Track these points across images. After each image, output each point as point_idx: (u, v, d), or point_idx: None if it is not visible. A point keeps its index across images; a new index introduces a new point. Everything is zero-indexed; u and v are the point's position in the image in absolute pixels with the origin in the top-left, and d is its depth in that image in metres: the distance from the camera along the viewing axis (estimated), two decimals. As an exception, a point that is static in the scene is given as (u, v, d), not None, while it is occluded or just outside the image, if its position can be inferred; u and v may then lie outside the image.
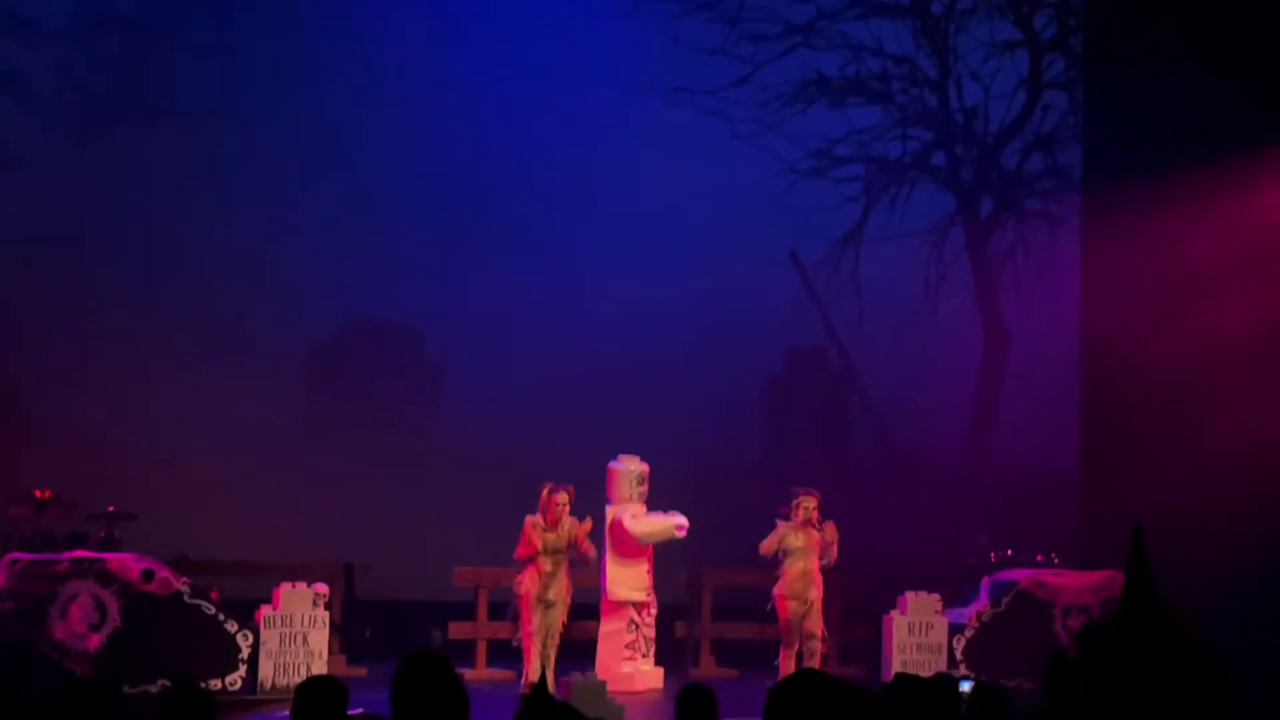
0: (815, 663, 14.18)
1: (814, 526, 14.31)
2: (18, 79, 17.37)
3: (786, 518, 14.40)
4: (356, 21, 18.31)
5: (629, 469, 15.13)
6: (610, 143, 18.71)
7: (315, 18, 18.24)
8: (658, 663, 15.19)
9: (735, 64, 19.48)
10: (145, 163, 17.40)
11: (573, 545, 13.97)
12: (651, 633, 15.15)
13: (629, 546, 14.95)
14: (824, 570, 14.42)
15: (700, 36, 19.26)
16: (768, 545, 14.34)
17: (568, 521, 13.99)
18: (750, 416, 19.41)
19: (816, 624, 14.39)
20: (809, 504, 14.44)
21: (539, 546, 13.84)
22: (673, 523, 14.89)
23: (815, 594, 14.38)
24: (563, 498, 13.95)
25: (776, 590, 14.39)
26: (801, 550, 14.35)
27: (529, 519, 13.94)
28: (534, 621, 13.87)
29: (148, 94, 17.58)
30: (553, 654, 14.06)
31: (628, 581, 14.95)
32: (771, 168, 19.35)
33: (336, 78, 18.17)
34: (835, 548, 14.32)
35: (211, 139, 17.63)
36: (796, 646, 14.40)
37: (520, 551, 13.97)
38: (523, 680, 13.81)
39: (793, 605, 14.33)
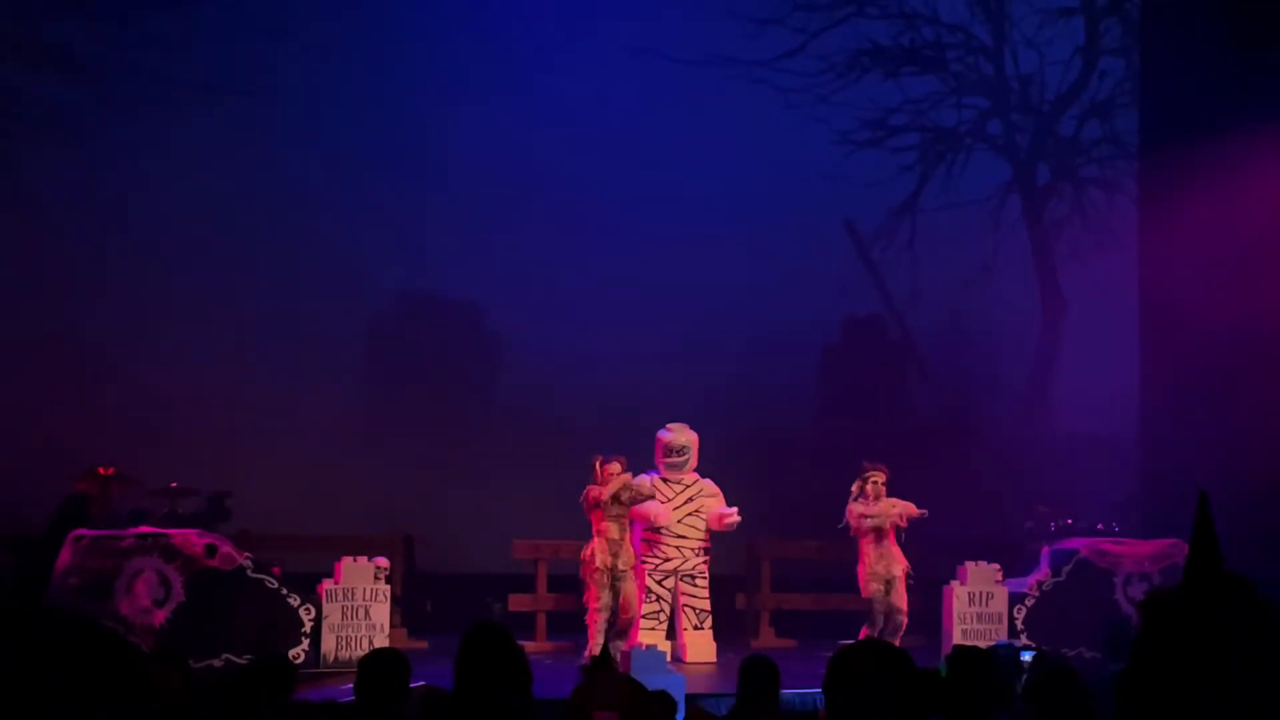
0: (898, 640, 14.12)
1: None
2: (68, 55, 17.45)
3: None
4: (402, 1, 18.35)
5: (663, 438, 15.10)
6: (664, 114, 18.69)
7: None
8: (716, 635, 15.11)
9: (789, 34, 19.41)
10: (201, 140, 17.46)
11: (632, 494, 14.06)
12: (704, 604, 15.03)
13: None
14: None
15: (754, 7, 19.20)
16: (854, 527, 14.39)
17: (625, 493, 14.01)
18: (806, 387, 19.37)
19: (901, 598, 14.37)
20: (877, 478, 14.44)
21: (605, 496, 13.80)
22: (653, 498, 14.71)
23: (898, 569, 14.38)
24: (615, 468, 13.94)
25: (858, 571, 14.44)
26: (873, 528, 14.37)
27: (590, 488, 13.91)
28: (602, 598, 13.81)
29: (199, 72, 17.62)
30: (628, 631, 14.02)
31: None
32: (826, 138, 19.28)
33: (389, 55, 18.20)
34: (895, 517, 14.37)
35: (268, 117, 17.68)
36: (880, 626, 14.41)
37: (592, 494, 13.88)
38: (585, 653, 13.81)
39: (874, 586, 14.35)
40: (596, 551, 13.88)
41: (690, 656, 14.75)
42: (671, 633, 14.95)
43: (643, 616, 14.57)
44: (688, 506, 15.00)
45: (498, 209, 18.29)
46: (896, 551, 14.44)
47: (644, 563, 14.72)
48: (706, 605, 14.99)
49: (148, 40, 17.52)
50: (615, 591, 13.83)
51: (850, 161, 19.36)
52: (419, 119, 18.14)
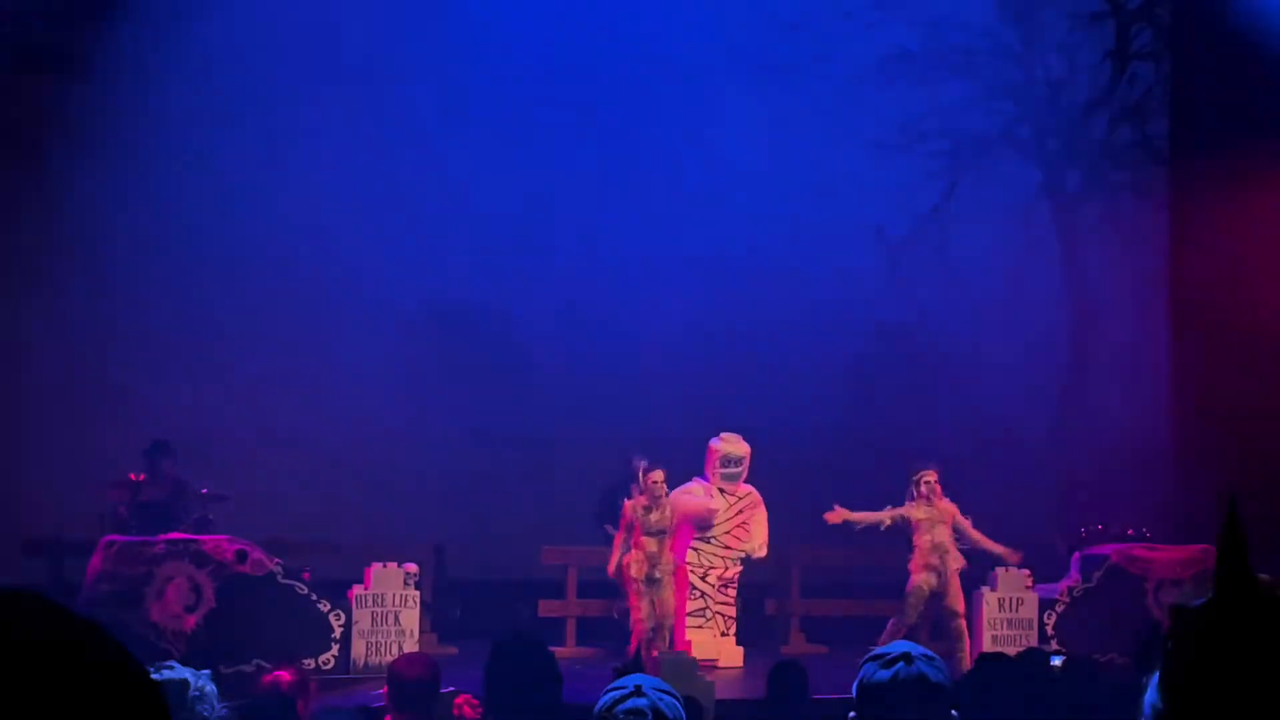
0: (963, 643, 14.07)
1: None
2: (93, 61, 17.49)
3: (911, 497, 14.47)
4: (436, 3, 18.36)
5: (718, 448, 15.04)
6: (691, 121, 18.70)
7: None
8: (742, 641, 15.12)
9: (817, 40, 19.37)
10: (227, 147, 17.51)
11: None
12: (730, 610, 15.07)
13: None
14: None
15: (782, 12, 19.18)
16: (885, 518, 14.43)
17: (667, 502, 13.97)
18: (835, 393, 19.33)
19: (957, 600, 14.26)
20: (929, 478, 14.44)
21: (640, 529, 13.80)
22: (704, 505, 14.81)
23: (953, 565, 14.26)
24: (659, 475, 13.91)
25: (910, 564, 14.42)
26: (927, 522, 14.35)
27: (628, 503, 13.88)
28: (643, 609, 13.78)
29: (223, 80, 17.66)
30: (669, 633, 14.04)
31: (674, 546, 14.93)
32: (855, 144, 19.24)
33: (410, 64, 18.20)
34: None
35: (298, 123, 17.72)
36: (912, 621, 14.37)
37: (619, 539, 13.91)
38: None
39: (924, 575, 14.30)
40: (634, 563, 13.86)
41: (719, 661, 14.70)
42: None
43: (689, 614, 14.73)
44: (737, 519, 15.06)
45: (527, 218, 18.32)
46: (954, 549, 14.39)
47: (690, 568, 14.83)
48: (733, 612, 15.08)
49: (172, 48, 17.56)
50: (653, 600, 13.86)
51: (880, 168, 19.32)
52: (446, 130, 18.16)
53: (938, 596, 14.32)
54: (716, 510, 14.86)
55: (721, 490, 15.01)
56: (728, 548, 15.06)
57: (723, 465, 15.01)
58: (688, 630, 14.67)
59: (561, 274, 18.33)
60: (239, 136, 17.54)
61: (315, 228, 17.79)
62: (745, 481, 15.20)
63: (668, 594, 13.94)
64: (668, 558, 13.97)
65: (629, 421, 17.10)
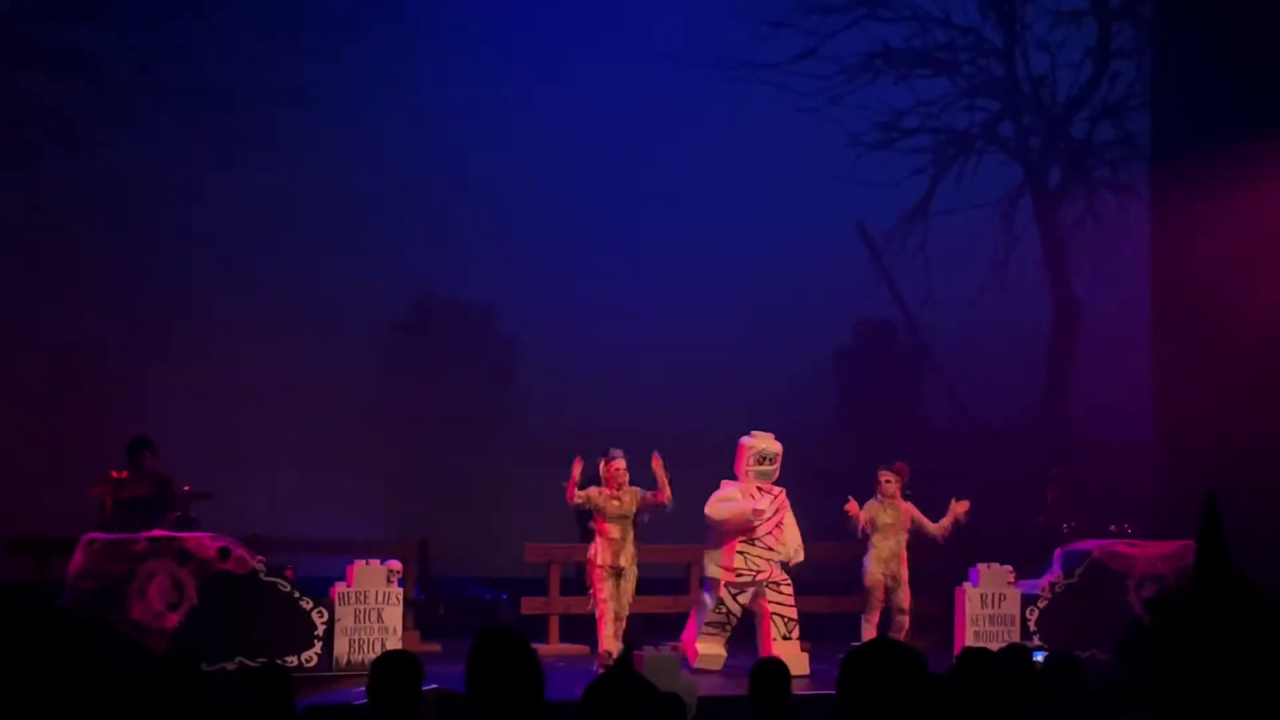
0: (903, 636, 14.25)
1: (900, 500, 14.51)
2: (89, 62, 17.47)
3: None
4: (420, 4, 18.33)
5: (752, 445, 14.47)
6: (675, 118, 18.69)
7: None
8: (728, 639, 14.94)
9: (800, 37, 19.41)
10: (210, 146, 17.48)
11: (645, 508, 13.99)
12: (791, 612, 14.42)
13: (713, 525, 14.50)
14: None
15: (765, 9, 19.19)
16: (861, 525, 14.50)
17: (629, 489, 13.96)
18: (817, 390, 19.34)
19: (905, 598, 14.57)
20: (888, 477, 14.53)
21: (604, 516, 13.80)
22: (749, 507, 14.27)
23: (904, 572, 14.57)
24: (621, 464, 13.87)
25: (866, 559, 14.58)
26: (890, 526, 14.47)
27: (593, 489, 13.85)
28: (605, 590, 13.84)
29: (217, 77, 17.64)
30: (622, 625, 14.04)
31: (712, 557, 14.50)
32: (838, 141, 19.28)
33: (398, 61, 18.19)
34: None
35: (277, 122, 17.68)
36: (877, 615, 14.57)
37: (569, 492, 13.81)
38: (599, 649, 13.82)
39: (879, 570, 14.48)
40: (599, 551, 13.90)
41: (708, 665, 14.25)
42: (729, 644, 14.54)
43: (706, 624, 14.36)
44: (775, 518, 14.47)
45: (507, 213, 18.29)
46: (904, 554, 14.59)
47: (735, 574, 14.28)
48: (794, 614, 14.44)
49: (167, 46, 17.52)
50: (618, 588, 13.88)
51: (862, 164, 19.36)
52: (426, 125, 18.15)
53: (890, 591, 14.62)
54: (763, 511, 14.28)
55: (760, 489, 14.39)
56: (770, 549, 14.41)
57: (757, 462, 14.40)
58: (699, 640, 14.31)
59: (544, 268, 18.30)
60: (210, 134, 17.50)
61: (291, 223, 17.75)
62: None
63: (629, 585, 13.94)
64: (631, 546, 13.97)
65: (613, 419, 17.10)
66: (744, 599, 14.39)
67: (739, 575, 14.30)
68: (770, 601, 14.39)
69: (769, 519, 14.40)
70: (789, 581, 14.51)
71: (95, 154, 17.27)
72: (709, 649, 14.34)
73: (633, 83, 18.54)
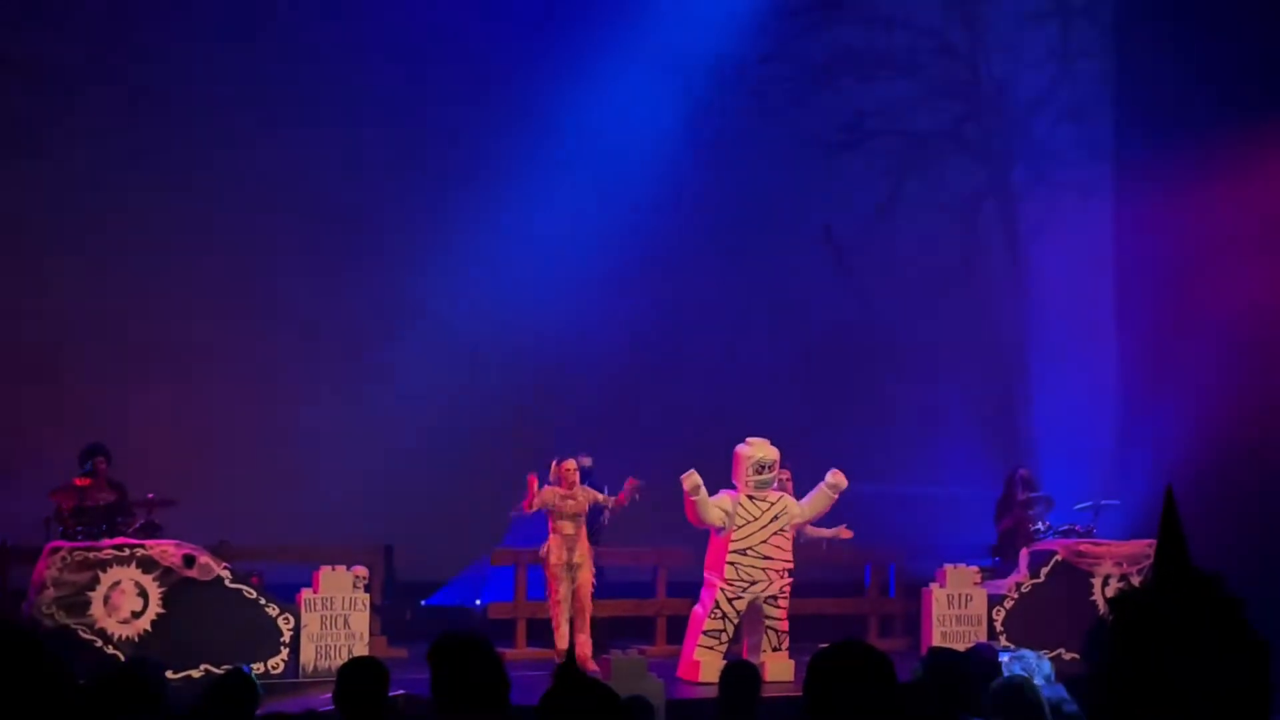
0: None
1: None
2: (44, 65, 17.34)
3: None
4: (407, 8, 18.27)
5: (749, 454, 14.07)
6: (636, 119, 18.65)
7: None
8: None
9: (763, 38, 19.39)
10: (168, 152, 17.40)
11: (600, 506, 14.13)
12: (783, 626, 14.15)
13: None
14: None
15: (728, 10, 19.17)
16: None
17: (580, 489, 14.04)
18: (781, 391, 19.33)
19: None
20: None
21: (556, 515, 13.90)
22: (721, 512, 13.97)
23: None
24: (571, 464, 14.03)
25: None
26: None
27: (548, 488, 13.94)
28: (560, 590, 13.93)
29: (187, 81, 17.56)
30: (585, 620, 14.05)
31: (707, 562, 14.25)
32: (801, 142, 19.29)
33: (397, 59, 18.15)
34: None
35: (235, 128, 17.60)
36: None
37: (526, 504, 13.87)
38: (556, 648, 13.85)
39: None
40: (552, 548, 14.00)
41: (770, 676, 13.33)
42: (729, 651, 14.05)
43: (704, 632, 13.95)
44: (773, 525, 14.09)
45: (479, 217, 18.22)
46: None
47: (729, 585, 13.93)
48: (785, 627, 14.16)
49: (129, 50, 17.43)
50: (572, 583, 13.92)
51: (825, 166, 19.37)
52: (425, 124, 18.16)
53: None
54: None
55: (752, 498, 14.05)
56: (767, 558, 14.04)
57: (755, 471, 13.96)
58: (697, 650, 13.94)
59: (509, 275, 18.26)
60: (173, 138, 17.44)
61: (254, 229, 17.67)
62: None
63: (585, 576, 13.99)
64: (584, 544, 14.01)
65: (579, 423, 17.08)
66: (740, 605, 14.04)
67: (731, 585, 13.99)
68: (766, 616, 14.08)
69: (764, 528, 14.07)
70: (786, 595, 14.18)
71: (47, 153, 17.09)
72: (709, 659, 13.77)
73: (590, 84, 18.46)
